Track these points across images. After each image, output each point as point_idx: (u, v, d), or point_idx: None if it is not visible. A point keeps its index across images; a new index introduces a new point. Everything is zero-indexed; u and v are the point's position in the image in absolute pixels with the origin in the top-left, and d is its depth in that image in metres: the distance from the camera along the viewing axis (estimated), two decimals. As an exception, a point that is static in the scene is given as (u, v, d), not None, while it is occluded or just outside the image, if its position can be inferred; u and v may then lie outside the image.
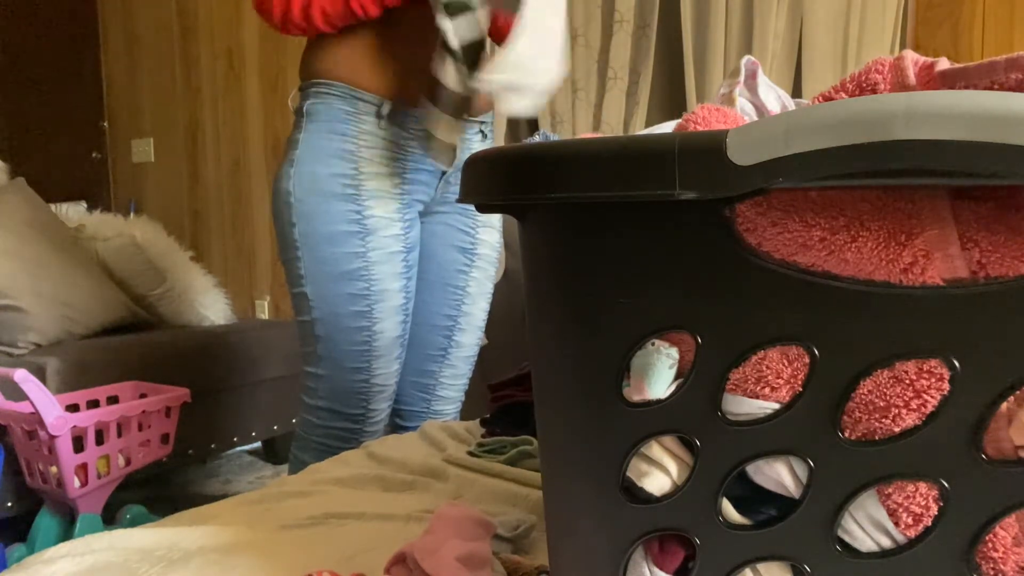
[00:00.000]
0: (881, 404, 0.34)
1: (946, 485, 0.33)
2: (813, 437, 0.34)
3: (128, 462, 1.63)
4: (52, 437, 1.45)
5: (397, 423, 1.38)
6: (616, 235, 0.36)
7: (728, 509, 0.37)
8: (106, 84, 3.47)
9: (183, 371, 1.95)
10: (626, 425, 0.37)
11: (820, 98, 0.41)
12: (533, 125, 2.53)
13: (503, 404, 0.97)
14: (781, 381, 0.36)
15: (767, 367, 0.36)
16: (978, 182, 0.33)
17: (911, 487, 0.34)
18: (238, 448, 2.38)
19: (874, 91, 0.39)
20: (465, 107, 1.11)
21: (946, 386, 0.32)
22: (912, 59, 0.39)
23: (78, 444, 1.50)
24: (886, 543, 0.35)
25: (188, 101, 3.21)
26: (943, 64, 0.38)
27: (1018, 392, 0.32)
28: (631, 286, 0.36)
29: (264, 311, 3.07)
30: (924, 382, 0.33)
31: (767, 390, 0.36)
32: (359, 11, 1.08)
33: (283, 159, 1.19)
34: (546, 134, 2.30)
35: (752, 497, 0.37)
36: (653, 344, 0.38)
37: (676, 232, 0.34)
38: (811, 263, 0.35)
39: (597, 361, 0.37)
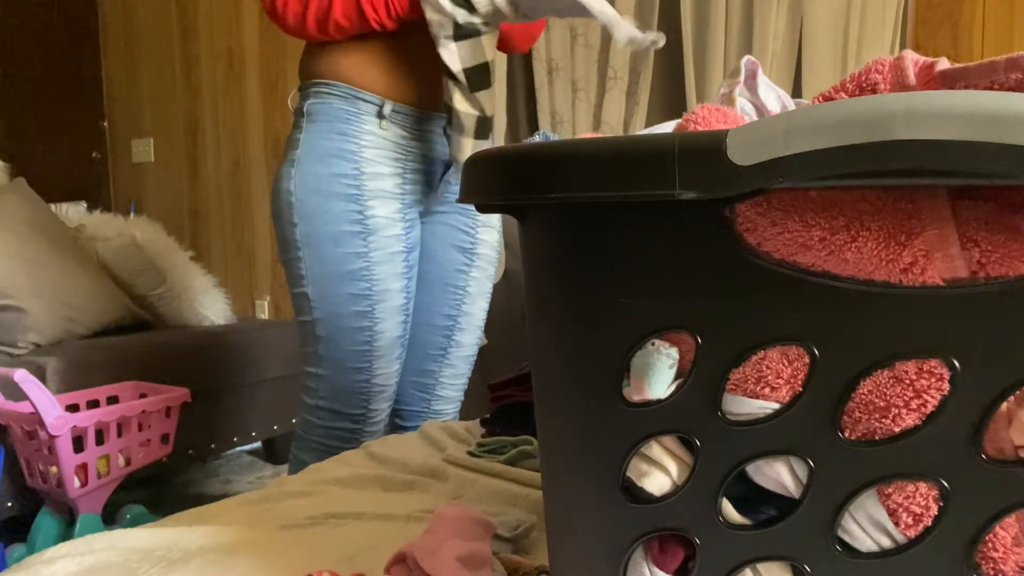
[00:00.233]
0: (881, 404, 0.34)
1: (946, 485, 0.33)
2: (813, 437, 0.34)
3: (128, 462, 1.63)
4: (52, 437, 1.45)
5: (397, 423, 1.38)
6: (616, 235, 0.36)
7: (728, 509, 0.37)
8: (106, 84, 3.47)
9: (183, 371, 1.95)
10: (626, 425, 0.37)
11: (820, 98, 0.41)
12: (533, 125, 2.53)
13: (503, 404, 0.97)
14: (781, 381, 0.36)
15: (767, 367, 0.36)
16: (978, 182, 0.33)
17: (911, 487, 0.34)
18: (238, 448, 2.38)
19: (874, 91, 0.39)
20: (487, 127, 1.12)
21: (946, 386, 0.32)
22: (912, 59, 0.39)
23: (78, 444, 1.50)
24: (886, 543, 0.35)
25: (188, 101, 3.21)
26: (943, 64, 0.38)
27: (1018, 392, 0.32)
28: (631, 286, 0.36)
29: (264, 311, 3.07)
30: (924, 382, 0.33)
31: (767, 390, 0.36)
32: (376, 26, 1.09)
33: (283, 159, 1.18)
34: (546, 134, 2.30)
35: (752, 497, 0.37)
36: (653, 344, 0.38)
37: (676, 232, 0.34)
38: (811, 263, 0.35)
39: (597, 361, 0.37)
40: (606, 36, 2.36)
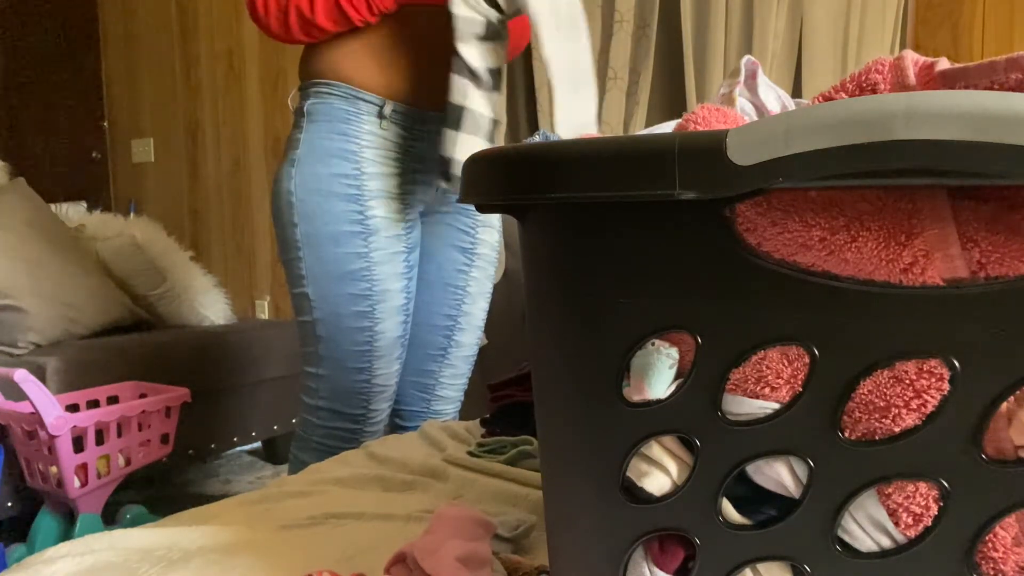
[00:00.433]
0: (881, 404, 0.34)
1: (946, 485, 0.33)
2: (813, 437, 0.34)
3: (128, 462, 1.63)
4: (52, 437, 1.45)
5: (397, 423, 1.38)
6: (616, 235, 0.36)
7: (728, 509, 0.37)
8: (106, 84, 3.47)
9: (183, 371, 1.95)
10: (626, 425, 0.37)
11: (820, 98, 0.41)
12: (533, 125, 2.53)
13: (503, 404, 0.97)
14: (781, 381, 0.36)
15: (767, 367, 0.36)
16: (978, 182, 0.33)
17: (911, 487, 0.34)
18: (238, 448, 2.38)
19: (874, 91, 0.39)
20: (497, 132, 1.11)
21: (946, 386, 0.32)
22: (912, 59, 0.39)
23: (78, 444, 1.50)
24: (886, 543, 0.35)
25: (188, 101, 3.21)
26: (943, 64, 0.38)
27: (1018, 392, 0.32)
28: (631, 286, 0.36)
29: (264, 311, 3.07)
30: (924, 382, 0.33)
31: (767, 390, 0.36)
32: (360, 24, 1.09)
33: (283, 159, 1.18)
34: (546, 134, 2.30)
35: (752, 497, 0.37)
36: (653, 344, 0.38)
37: (676, 232, 0.34)
38: (811, 263, 0.35)
39: (597, 361, 0.37)
40: (606, 36, 2.36)
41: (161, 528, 0.68)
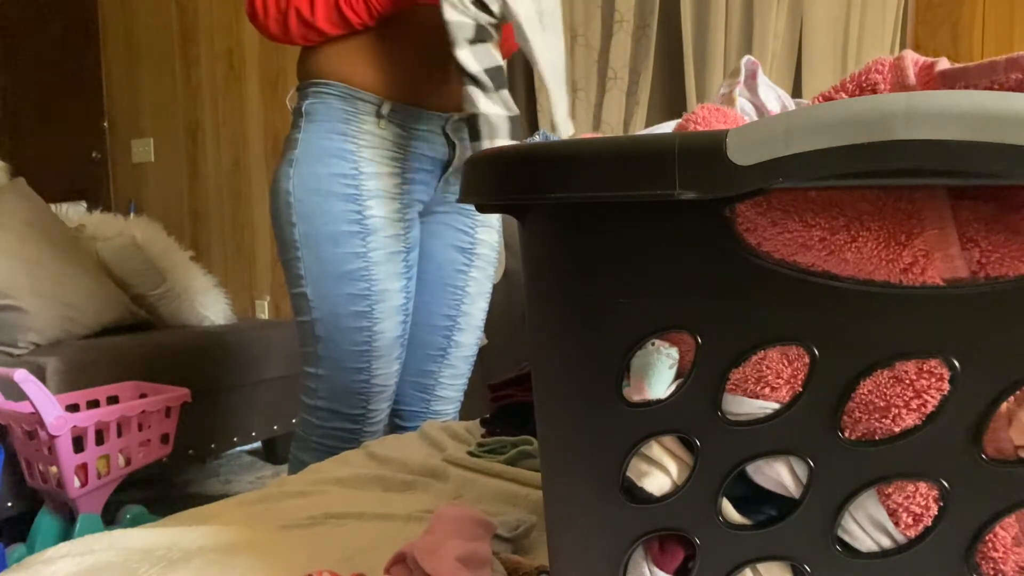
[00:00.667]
0: (881, 404, 0.34)
1: (946, 485, 0.33)
2: (813, 437, 0.34)
3: (128, 462, 1.63)
4: (52, 437, 1.45)
5: (396, 423, 1.38)
6: (616, 235, 0.36)
7: (728, 509, 0.37)
8: (106, 84, 3.47)
9: (183, 371, 1.95)
10: (626, 425, 0.37)
11: (820, 98, 0.41)
12: (533, 125, 2.53)
13: (503, 404, 0.97)
14: (781, 381, 0.36)
15: (767, 367, 0.36)
16: (978, 182, 0.33)
17: (911, 487, 0.34)
18: (238, 448, 2.38)
19: (874, 91, 0.39)
20: (518, 126, 1.11)
21: (946, 386, 0.32)
22: (912, 59, 0.39)
23: (78, 444, 1.50)
24: (886, 543, 0.35)
25: (188, 101, 3.21)
26: (943, 64, 0.38)
27: (1018, 392, 0.32)
28: (631, 286, 0.36)
29: (264, 311, 3.07)
30: (924, 382, 0.33)
31: (767, 390, 0.36)
32: (359, 27, 1.09)
33: (281, 159, 1.18)
34: (546, 134, 2.30)
35: (752, 497, 0.37)
36: (653, 344, 0.38)
37: (676, 232, 0.34)
38: (811, 263, 0.35)
39: (597, 361, 0.37)
40: (606, 36, 2.36)
41: (161, 528, 0.68)
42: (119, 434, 1.59)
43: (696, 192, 0.31)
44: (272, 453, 2.45)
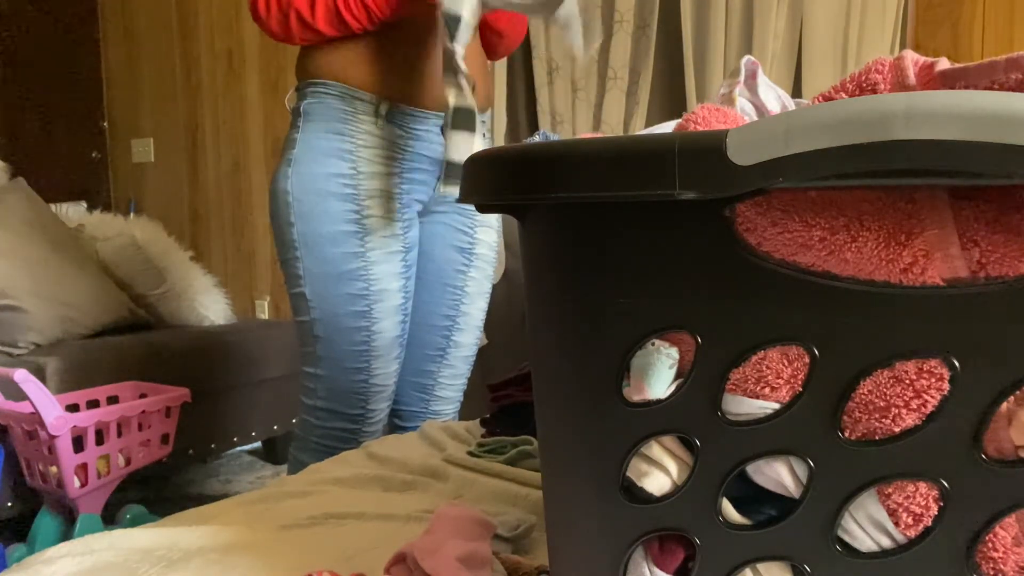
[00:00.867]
0: (881, 404, 0.34)
1: (946, 485, 0.33)
2: (813, 437, 0.34)
3: (128, 462, 1.63)
4: (52, 437, 1.45)
5: (396, 423, 1.38)
6: (616, 235, 0.36)
7: (728, 509, 0.37)
8: (106, 84, 3.47)
9: (183, 371, 1.95)
10: (626, 425, 0.37)
11: (820, 98, 0.41)
12: (533, 125, 2.53)
13: (503, 404, 0.97)
14: (781, 381, 0.36)
15: (767, 367, 0.36)
16: (978, 182, 0.33)
17: (911, 487, 0.34)
18: (238, 448, 2.38)
19: (874, 91, 0.39)
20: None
21: (946, 386, 0.32)
22: (912, 59, 0.39)
23: (78, 444, 1.50)
24: (886, 543, 0.35)
25: (188, 101, 3.21)
26: (943, 64, 0.38)
27: (1018, 392, 0.32)
28: (631, 286, 0.36)
29: (264, 311, 3.07)
30: (924, 382, 0.33)
31: (767, 390, 0.36)
32: (359, 31, 1.09)
33: (280, 159, 1.19)
34: (546, 134, 2.30)
35: (752, 497, 0.37)
36: (653, 344, 0.38)
37: (676, 232, 0.34)
38: (811, 263, 0.35)
39: (597, 361, 0.37)
40: (606, 36, 2.36)
41: (161, 528, 0.68)
42: (119, 434, 1.59)
43: (696, 192, 0.31)
44: (272, 453, 2.45)
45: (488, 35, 1.27)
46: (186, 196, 3.28)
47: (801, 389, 0.34)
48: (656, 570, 0.38)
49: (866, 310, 0.32)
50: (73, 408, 1.60)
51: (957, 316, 0.31)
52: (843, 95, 0.40)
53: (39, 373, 1.66)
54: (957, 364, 0.32)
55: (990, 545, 0.33)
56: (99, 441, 1.55)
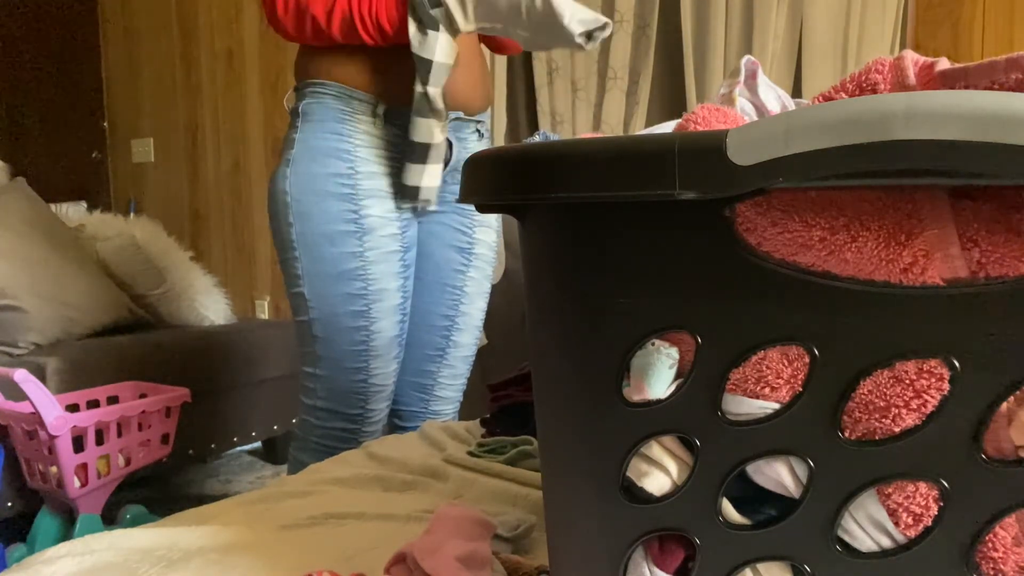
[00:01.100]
0: (881, 404, 0.34)
1: (946, 485, 0.33)
2: (813, 437, 0.34)
3: (128, 462, 1.63)
4: (52, 437, 1.45)
5: (395, 423, 1.38)
6: (616, 235, 0.36)
7: (728, 509, 0.37)
8: (106, 84, 3.47)
9: (183, 371, 1.95)
10: (626, 425, 0.37)
11: (820, 98, 0.41)
12: (533, 125, 2.53)
13: (503, 404, 0.97)
14: (781, 381, 0.36)
15: (767, 367, 0.36)
16: (978, 182, 0.33)
17: (911, 487, 0.34)
18: (238, 448, 2.38)
19: (874, 91, 0.39)
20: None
21: (946, 386, 0.32)
22: (912, 59, 0.39)
23: (78, 444, 1.50)
24: (886, 543, 0.35)
25: (188, 101, 3.21)
26: (943, 64, 0.38)
27: (1018, 392, 0.32)
28: (631, 286, 0.36)
29: (264, 311, 3.07)
30: (924, 382, 0.33)
31: (767, 390, 0.36)
32: (371, 44, 1.10)
33: (279, 159, 1.19)
34: (546, 134, 2.30)
35: (752, 497, 0.37)
36: (653, 344, 0.38)
37: (676, 232, 0.34)
38: (811, 263, 0.35)
39: (597, 361, 0.37)
40: (606, 36, 2.36)
41: (161, 528, 0.68)
42: (119, 434, 1.59)
43: (696, 192, 0.31)
44: (272, 453, 2.45)
45: (493, 37, 1.27)
46: (186, 196, 3.28)
47: (801, 389, 0.34)
48: (656, 570, 0.38)
49: (866, 310, 0.32)
50: (73, 408, 1.60)
51: (957, 316, 0.31)
52: (843, 95, 0.40)
53: (39, 373, 1.66)
54: (957, 364, 0.32)
55: (990, 545, 0.33)
56: (99, 441, 1.55)
